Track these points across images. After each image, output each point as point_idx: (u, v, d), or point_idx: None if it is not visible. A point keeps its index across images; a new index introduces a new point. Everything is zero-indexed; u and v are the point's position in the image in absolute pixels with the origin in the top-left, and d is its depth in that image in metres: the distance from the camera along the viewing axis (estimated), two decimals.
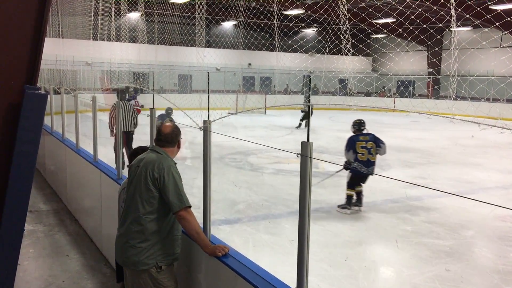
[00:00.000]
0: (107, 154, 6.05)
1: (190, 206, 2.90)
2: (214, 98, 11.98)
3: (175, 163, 3.01)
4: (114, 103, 8.41)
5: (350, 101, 18.55)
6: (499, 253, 5.54)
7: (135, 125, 9.14)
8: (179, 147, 3.12)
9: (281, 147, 11.91)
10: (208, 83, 3.10)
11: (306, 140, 2.25)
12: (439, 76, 29.19)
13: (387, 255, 5.47)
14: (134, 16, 20.58)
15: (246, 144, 13.02)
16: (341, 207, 7.05)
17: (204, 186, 3.18)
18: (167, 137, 3.02)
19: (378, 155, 7.27)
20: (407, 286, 4.56)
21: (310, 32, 32.43)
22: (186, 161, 10.42)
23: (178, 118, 4.59)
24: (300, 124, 18.58)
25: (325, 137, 15.59)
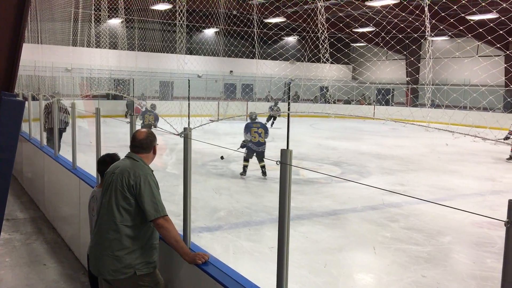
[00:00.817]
0: (87, 161, 5.97)
1: (166, 215, 2.86)
2: (195, 105, 11.91)
3: (152, 171, 2.99)
4: (47, 104, 10.11)
5: (329, 109, 18.81)
6: (476, 258, 5.64)
7: (66, 123, 10.51)
8: (155, 153, 3.09)
9: None
10: (189, 90, 3.11)
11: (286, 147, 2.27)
12: (415, 86, 29.73)
13: (366, 262, 5.52)
14: (115, 22, 20.46)
15: (227, 151, 13.01)
16: (241, 174, 9.91)
17: (184, 193, 3.17)
18: (142, 143, 2.99)
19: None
20: None
21: (290, 40, 32.69)
22: (167, 168, 10.36)
23: (159, 124, 4.58)
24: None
25: (306, 144, 15.68)
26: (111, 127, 10.86)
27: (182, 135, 2.98)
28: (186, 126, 3.06)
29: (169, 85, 28.30)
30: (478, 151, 14.96)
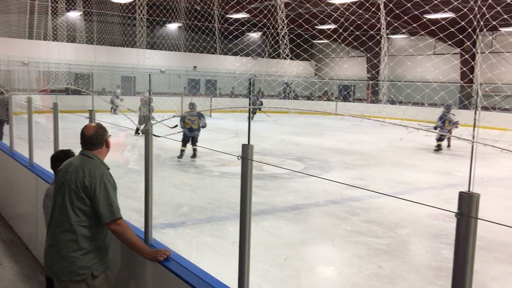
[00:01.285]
0: (45, 157, 5.80)
1: (121, 217, 2.77)
2: (158, 101, 11.79)
3: (109, 168, 2.88)
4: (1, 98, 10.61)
5: (289, 104, 19.07)
6: (432, 250, 5.85)
7: (7, 116, 10.55)
8: (108, 146, 2.96)
9: (226, 150, 11.92)
10: (150, 85, 3.05)
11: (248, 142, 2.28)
12: (371, 81, 30.42)
13: (328, 255, 5.62)
14: (73, 15, 19.85)
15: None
16: (178, 157, 11.18)
17: (145, 190, 3.13)
18: (92, 139, 2.86)
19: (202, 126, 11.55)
20: (347, 285, 4.71)
21: (253, 36, 32.73)
22: (129, 164, 10.19)
23: (120, 120, 4.50)
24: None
25: (270, 140, 15.78)
26: (71, 122, 10.57)
27: (143, 131, 2.94)
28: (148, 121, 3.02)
29: (131, 80, 27.80)
30: (434, 146, 15.46)
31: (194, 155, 11.47)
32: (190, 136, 11.36)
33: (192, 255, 5.15)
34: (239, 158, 2.26)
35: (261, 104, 22.71)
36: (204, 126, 11.55)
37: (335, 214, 7.17)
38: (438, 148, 14.47)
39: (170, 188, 8.37)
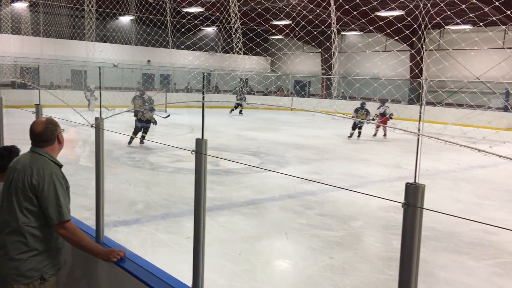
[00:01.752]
0: None
1: (69, 220, 2.64)
2: (110, 95, 11.49)
3: (61, 166, 2.73)
4: None
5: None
6: (383, 241, 6.04)
7: None
8: (60, 142, 2.79)
9: (182, 145, 11.79)
10: (100, 78, 2.96)
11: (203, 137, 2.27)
12: (323, 76, 31.04)
13: (284, 248, 5.69)
14: (18, 6, 18.97)
15: (145, 143, 12.71)
16: (128, 143, 12.56)
17: (96, 186, 3.04)
18: (42, 135, 2.69)
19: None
20: (302, 277, 4.79)
21: (209, 30, 32.50)
22: (80, 161, 9.90)
23: (68, 115, 4.35)
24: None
25: (226, 135, 15.76)
26: (18, 118, 10.14)
27: (93, 125, 2.85)
28: (98, 116, 2.94)
29: (82, 74, 26.94)
30: (386, 140, 15.97)
31: (141, 141, 12.90)
32: (141, 126, 12.80)
33: (147, 253, 5.07)
34: (193, 152, 2.24)
35: (245, 99, 23.53)
36: (150, 116, 12.87)
37: (291, 208, 7.26)
38: (351, 136, 16.38)
39: (123, 184, 8.21)
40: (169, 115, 14.44)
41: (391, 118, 16.46)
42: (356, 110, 16.35)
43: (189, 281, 2.43)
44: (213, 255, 5.04)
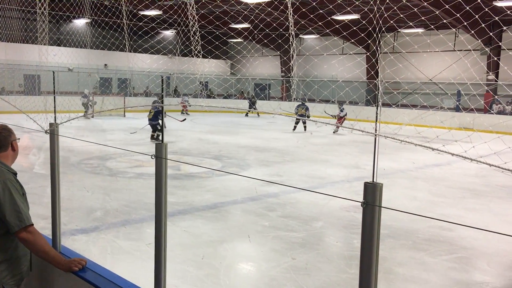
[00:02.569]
0: None
1: (32, 224, 2.55)
2: (65, 100, 11.18)
3: (16, 173, 2.64)
4: None
5: (202, 102, 19.20)
6: (344, 240, 6.14)
7: None
8: (15, 149, 2.69)
9: (142, 150, 11.62)
10: (54, 83, 2.87)
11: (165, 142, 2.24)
12: (282, 79, 31.36)
13: (246, 251, 5.68)
14: None
15: (104, 149, 12.41)
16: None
17: (52, 194, 2.94)
18: None
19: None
20: (266, 279, 4.80)
21: (167, 34, 32.17)
22: (34, 168, 9.55)
23: (21, 121, 4.19)
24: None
25: (187, 139, 15.62)
26: None
27: (48, 131, 2.76)
28: (53, 121, 2.84)
29: (35, 78, 26.05)
30: (346, 141, 16.29)
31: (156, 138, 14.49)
32: (150, 124, 14.62)
33: (106, 261, 4.95)
34: (153, 157, 2.21)
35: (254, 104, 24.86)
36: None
37: (253, 211, 7.27)
38: (294, 128, 19.17)
39: (81, 192, 7.98)
40: (184, 119, 16.48)
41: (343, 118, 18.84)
42: (297, 106, 18.96)
43: None
44: (176, 260, 4.98)
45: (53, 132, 2.81)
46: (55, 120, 2.87)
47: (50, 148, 2.86)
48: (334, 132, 18.83)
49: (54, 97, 2.93)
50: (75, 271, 2.64)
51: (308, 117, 18.71)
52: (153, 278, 2.34)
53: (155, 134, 14.54)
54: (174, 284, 4.42)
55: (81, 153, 11.69)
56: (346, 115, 19.21)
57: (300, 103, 19.23)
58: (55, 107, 2.92)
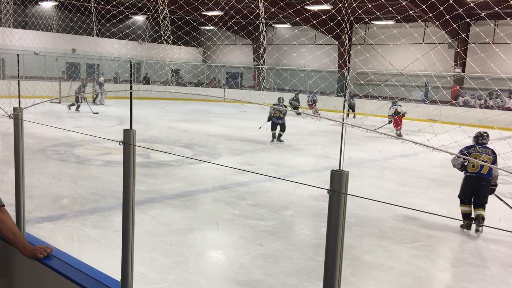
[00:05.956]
0: None
1: (3, 205, 2.56)
2: (31, 85, 10.85)
3: None
4: None
5: (171, 89, 18.94)
6: (313, 228, 6.23)
7: None
8: None
9: (111, 137, 11.42)
10: (18, 66, 2.79)
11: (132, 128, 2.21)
12: (253, 67, 31.33)
13: (216, 239, 5.70)
14: None
15: (71, 135, 12.14)
16: (270, 141, 13.37)
17: (16, 181, 2.87)
18: None
19: None
20: (235, 266, 4.83)
21: (138, 19, 31.55)
22: None
23: None
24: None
25: (158, 127, 15.46)
26: None
27: (12, 116, 2.68)
28: (17, 106, 2.76)
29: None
30: (316, 131, 16.45)
31: (279, 139, 13.50)
32: (278, 123, 13.45)
33: (73, 249, 4.88)
34: (121, 143, 2.18)
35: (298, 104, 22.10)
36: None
37: (223, 199, 7.28)
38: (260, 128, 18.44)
39: (47, 179, 7.80)
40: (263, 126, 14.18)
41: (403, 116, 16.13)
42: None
43: (118, 276, 2.37)
44: (144, 248, 4.95)
45: (17, 117, 2.74)
46: (19, 104, 2.79)
47: (14, 133, 2.78)
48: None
49: (19, 81, 2.84)
50: (40, 258, 2.60)
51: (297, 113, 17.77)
52: (120, 266, 2.33)
53: (277, 134, 13.53)
54: (142, 271, 4.40)
55: (47, 140, 11.41)
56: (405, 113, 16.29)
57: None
58: (19, 91, 2.84)
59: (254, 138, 14.01)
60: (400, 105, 16.39)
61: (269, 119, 13.75)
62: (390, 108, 16.59)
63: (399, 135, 15.49)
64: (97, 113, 18.63)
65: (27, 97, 4.06)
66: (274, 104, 15.73)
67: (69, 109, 20.00)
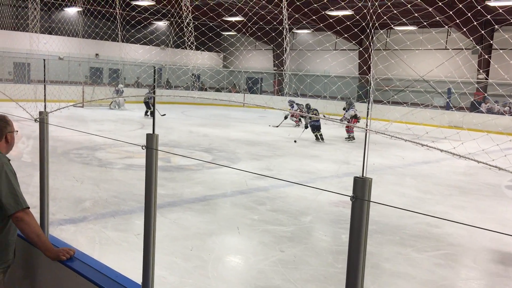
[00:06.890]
0: None
1: (28, 207, 2.59)
2: (55, 89, 11.03)
3: (9, 160, 2.68)
4: None
5: (194, 94, 19.03)
6: (333, 235, 6.18)
7: None
8: (9, 141, 2.73)
9: (132, 141, 11.56)
10: (44, 71, 2.85)
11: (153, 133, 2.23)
12: (274, 72, 31.29)
13: (235, 244, 5.70)
14: None
15: (93, 139, 12.34)
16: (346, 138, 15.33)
17: (41, 183, 2.92)
18: None
19: None
20: (253, 272, 4.82)
21: (160, 25, 31.95)
22: (23, 157, 9.47)
23: (11, 109, 4.15)
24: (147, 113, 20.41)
25: (178, 131, 15.58)
26: None
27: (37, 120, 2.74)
28: (42, 110, 2.82)
29: (25, 66, 25.76)
30: (334, 137, 16.34)
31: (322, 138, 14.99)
32: (316, 126, 14.91)
33: (94, 251, 4.94)
34: (144, 147, 2.20)
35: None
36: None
37: (243, 204, 7.28)
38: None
39: (70, 181, 7.93)
40: (165, 114, 15.54)
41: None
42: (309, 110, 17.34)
43: (139, 279, 2.39)
44: (164, 252, 4.98)
45: (42, 120, 2.79)
46: (45, 108, 2.85)
47: (39, 136, 2.84)
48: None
49: (45, 85, 2.90)
50: (63, 260, 2.64)
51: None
52: (141, 269, 2.35)
53: (319, 134, 14.92)
54: (162, 275, 4.42)
55: (70, 143, 11.61)
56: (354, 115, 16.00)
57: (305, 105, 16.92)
58: (45, 96, 2.90)
59: (273, 143, 14.00)
60: (356, 109, 16.23)
61: (306, 126, 15.19)
62: (348, 110, 16.10)
63: (352, 138, 15.81)
64: (164, 114, 18.93)
65: (52, 101, 4.15)
66: (303, 110, 17.25)
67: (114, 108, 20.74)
